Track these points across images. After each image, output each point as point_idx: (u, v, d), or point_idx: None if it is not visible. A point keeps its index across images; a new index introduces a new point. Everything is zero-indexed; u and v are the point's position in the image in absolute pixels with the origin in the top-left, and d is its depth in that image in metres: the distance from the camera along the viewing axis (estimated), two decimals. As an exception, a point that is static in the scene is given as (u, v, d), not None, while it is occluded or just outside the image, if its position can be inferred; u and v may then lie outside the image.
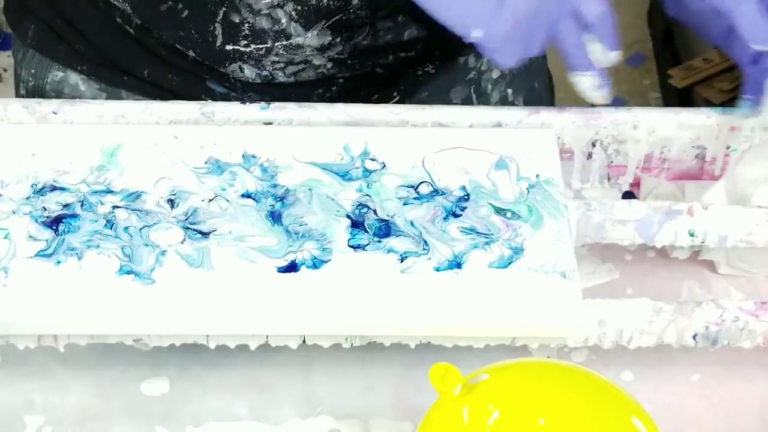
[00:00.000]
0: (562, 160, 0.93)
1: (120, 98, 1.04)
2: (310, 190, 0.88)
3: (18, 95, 1.11)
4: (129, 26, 1.01)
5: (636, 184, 0.99)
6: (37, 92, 1.08)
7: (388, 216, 0.87)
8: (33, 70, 1.08)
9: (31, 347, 0.84)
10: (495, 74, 1.10)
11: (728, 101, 1.08)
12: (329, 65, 1.00)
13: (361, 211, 0.87)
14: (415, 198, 0.88)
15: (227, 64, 1.00)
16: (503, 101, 1.11)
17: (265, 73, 1.00)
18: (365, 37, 0.99)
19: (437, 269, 0.83)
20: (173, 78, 1.03)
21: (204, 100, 1.02)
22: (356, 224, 0.86)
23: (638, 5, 2.26)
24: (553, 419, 0.71)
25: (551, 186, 0.89)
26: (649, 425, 0.73)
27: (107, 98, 1.05)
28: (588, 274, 0.92)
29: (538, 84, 1.15)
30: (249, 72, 1.00)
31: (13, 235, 0.84)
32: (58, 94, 1.07)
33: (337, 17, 0.97)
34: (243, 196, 0.88)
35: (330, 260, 0.84)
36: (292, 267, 0.83)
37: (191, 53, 0.99)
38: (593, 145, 0.97)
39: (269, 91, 1.02)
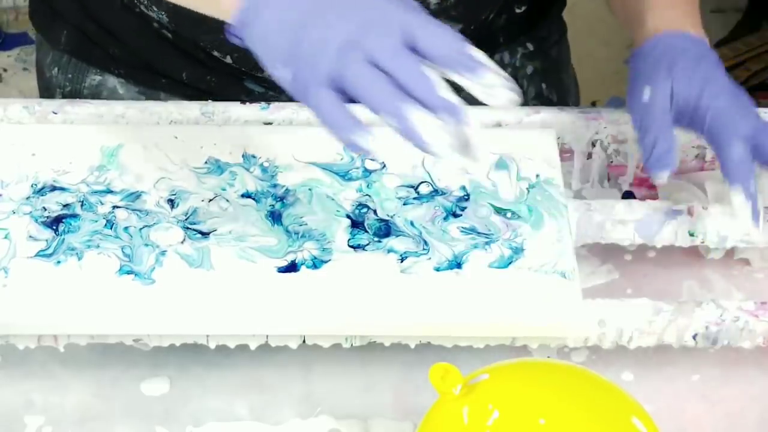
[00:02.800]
0: (562, 160, 0.93)
1: (159, 100, 1.04)
2: (310, 190, 0.88)
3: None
4: (166, 31, 1.00)
5: (637, 183, 0.99)
6: (75, 97, 1.07)
7: (388, 216, 0.87)
8: (70, 75, 1.07)
9: (31, 347, 0.84)
10: (529, 70, 1.09)
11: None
12: None
13: (361, 211, 0.87)
14: (415, 198, 0.88)
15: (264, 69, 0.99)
16: (539, 96, 1.10)
17: None
18: None
19: (437, 269, 0.83)
20: (212, 79, 1.03)
21: (243, 99, 1.01)
22: (356, 224, 0.86)
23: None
24: (553, 419, 0.71)
25: (551, 186, 0.89)
26: (649, 425, 0.73)
27: (146, 100, 1.04)
28: (588, 274, 0.92)
29: (565, 76, 1.15)
30: None
31: (13, 235, 0.84)
32: (97, 99, 1.06)
33: None
34: (243, 196, 0.88)
35: (330, 260, 0.84)
36: (292, 267, 0.83)
37: (228, 58, 0.99)
38: (593, 145, 0.96)
39: None
